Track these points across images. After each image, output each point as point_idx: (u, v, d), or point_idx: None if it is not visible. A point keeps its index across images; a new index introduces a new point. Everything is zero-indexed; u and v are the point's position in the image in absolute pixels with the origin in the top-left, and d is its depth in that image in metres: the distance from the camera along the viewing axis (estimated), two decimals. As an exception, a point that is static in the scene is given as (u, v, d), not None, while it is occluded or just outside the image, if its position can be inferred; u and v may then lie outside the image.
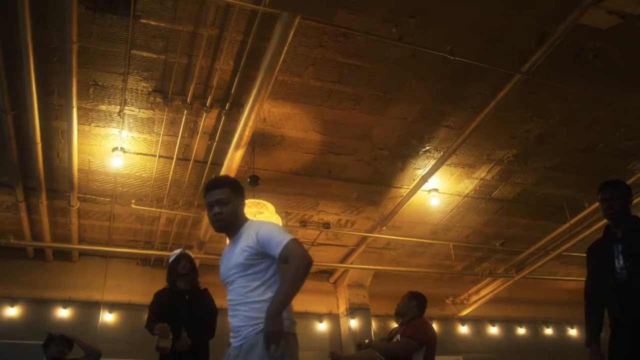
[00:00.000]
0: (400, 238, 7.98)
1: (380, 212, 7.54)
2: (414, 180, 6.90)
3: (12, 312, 7.23)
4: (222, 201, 2.80)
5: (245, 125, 5.38)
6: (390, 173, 6.83)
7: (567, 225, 7.46)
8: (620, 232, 3.59)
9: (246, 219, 2.93)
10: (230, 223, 2.83)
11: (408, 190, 7.01)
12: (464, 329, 9.28)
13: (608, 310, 3.57)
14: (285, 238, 2.67)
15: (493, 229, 8.14)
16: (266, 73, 4.82)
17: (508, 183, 7.19)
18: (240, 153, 5.75)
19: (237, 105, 5.57)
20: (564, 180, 7.20)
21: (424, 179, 6.71)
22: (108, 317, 7.53)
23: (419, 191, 6.97)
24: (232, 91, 5.40)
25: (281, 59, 4.70)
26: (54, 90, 5.32)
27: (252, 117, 5.26)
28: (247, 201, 5.76)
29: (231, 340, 2.70)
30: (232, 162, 5.86)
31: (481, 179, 7.05)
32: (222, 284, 2.85)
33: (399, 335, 4.60)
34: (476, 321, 9.25)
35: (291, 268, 2.59)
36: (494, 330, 9.35)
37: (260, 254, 2.71)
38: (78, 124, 5.61)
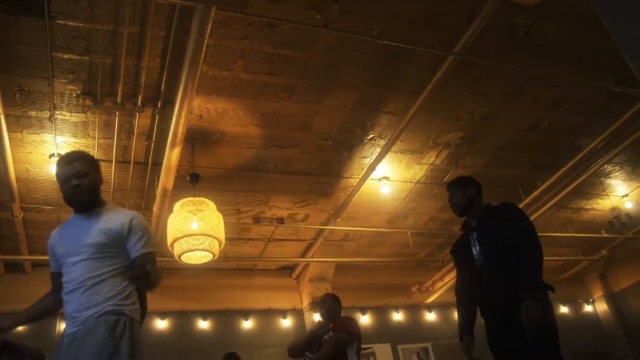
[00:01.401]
0: (357, 229, 7.94)
1: (333, 204, 7.48)
2: (362, 169, 6.84)
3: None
4: (81, 173, 2.73)
5: (177, 123, 5.28)
6: (337, 163, 6.76)
7: (522, 205, 7.44)
8: (474, 222, 3.73)
9: (105, 202, 2.85)
10: (89, 197, 2.75)
11: (358, 179, 6.95)
12: (430, 316, 9.28)
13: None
14: (151, 247, 2.72)
15: (450, 214, 7.88)
16: (190, 68, 4.73)
17: (459, 166, 7.15)
18: (177, 152, 5.65)
19: (169, 103, 5.46)
20: (515, 160, 7.19)
21: (372, 167, 6.65)
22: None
23: (369, 180, 6.92)
24: (162, 89, 5.30)
25: (203, 53, 4.61)
26: (-23, 98, 5.20)
27: (183, 114, 5.17)
28: (186, 199, 5.76)
29: (65, 329, 2.57)
30: (170, 161, 5.76)
31: (430, 164, 7.01)
32: (55, 258, 2.75)
33: (330, 333, 4.73)
34: (442, 307, 9.24)
35: (152, 278, 2.60)
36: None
37: (121, 241, 2.66)
38: (9, 131, 5.49)
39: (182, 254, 5.51)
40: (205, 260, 5.80)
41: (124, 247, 2.68)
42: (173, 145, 5.57)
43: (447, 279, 8.83)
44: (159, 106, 5.49)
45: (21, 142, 5.77)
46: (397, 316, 9.11)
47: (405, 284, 9.26)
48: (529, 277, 3.28)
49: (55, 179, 6.02)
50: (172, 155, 5.71)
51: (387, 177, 7.05)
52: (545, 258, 3.46)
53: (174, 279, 8.11)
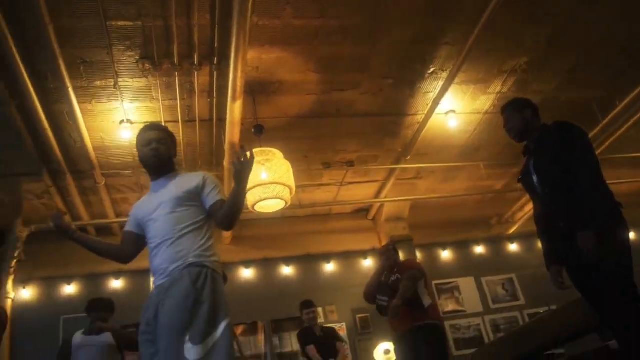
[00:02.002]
0: (429, 165, 7.80)
1: (401, 142, 7.36)
2: (426, 104, 6.66)
3: (70, 289, 7.70)
4: (162, 139, 2.99)
5: (235, 77, 5.32)
6: (401, 101, 6.61)
7: (600, 127, 7.02)
8: (532, 145, 3.51)
9: (177, 170, 3.07)
10: (166, 162, 2.98)
11: (423, 116, 6.79)
12: (513, 247, 9.07)
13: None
14: (221, 196, 2.88)
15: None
16: (239, 20, 4.70)
17: (527, 93, 6.76)
18: (238, 105, 5.71)
19: (225, 58, 5.48)
20: (589, 81, 6.73)
21: (436, 102, 6.45)
22: (158, 282, 7.87)
23: (435, 115, 6.72)
24: (215, 45, 5.33)
25: (250, 3, 4.56)
26: (46, 75, 5.42)
27: (240, 68, 5.19)
28: (253, 150, 5.83)
29: (154, 280, 2.74)
30: (233, 115, 5.83)
31: (497, 92, 6.71)
32: (136, 221, 2.94)
33: (397, 275, 4.97)
34: (525, 237, 8.97)
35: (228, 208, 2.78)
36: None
37: (199, 195, 2.85)
38: (79, 103, 5.78)
39: (255, 204, 5.65)
40: (278, 208, 5.93)
41: (200, 201, 2.84)
42: (234, 99, 5.64)
43: (527, 209, 8.54)
44: (215, 62, 5.54)
45: (92, 112, 6.02)
46: (479, 249, 8.99)
47: (484, 217, 9.06)
48: (583, 204, 3.04)
49: (128, 144, 6.36)
50: (235, 109, 5.78)
51: (453, 110, 6.82)
52: (624, 180, 3.23)
53: (254, 229, 8.39)
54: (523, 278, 8.71)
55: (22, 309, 7.31)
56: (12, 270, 7.23)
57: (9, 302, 7.16)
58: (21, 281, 7.50)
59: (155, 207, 2.82)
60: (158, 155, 2.93)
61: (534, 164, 3.37)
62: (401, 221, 8.54)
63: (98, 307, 4.98)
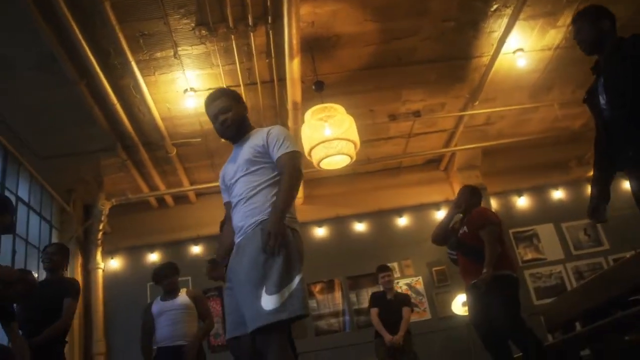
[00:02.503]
0: (499, 109, 7.48)
1: (468, 87, 7.09)
2: (492, 45, 6.35)
3: (154, 257, 8.03)
4: (225, 109, 2.96)
5: (290, 34, 5.27)
6: (464, 43, 6.33)
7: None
8: (603, 61, 3.04)
9: (253, 127, 3.10)
10: (238, 128, 2.98)
11: (489, 57, 6.49)
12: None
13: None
14: (290, 146, 2.83)
15: (603, 76, 7.28)
16: (288, -26, 4.66)
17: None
18: (296, 63, 5.67)
19: (278, 17, 5.42)
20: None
21: (502, 40, 6.14)
22: (235, 247, 8.09)
23: (502, 55, 6.41)
24: (268, 3, 5.29)
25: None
26: (109, 51, 5.59)
27: (294, 24, 5.14)
28: (315, 108, 5.81)
29: (235, 238, 2.83)
30: (292, 73, 5.81)
31: (568, 25, 6.26)
32: (226, 188, 2.98)
33: (465, 228, 4.68)
34: (607, 179, 8.48)
35: (285, 178, 2.76)
36: (628, 185, 8.47)
37: (267, 153, 2.83)
38: (143, 76, 5.93)
39: (320, 161, 5.63)
40: (343, 164, 5.90)
41: (270, 157, 2.84)
42: (291, 57, 5.59)
43: (609, 147, 8.06)
44: (269, 22, 5.51)
45: (156, 83, 6.15)
46: (557, 194, 8.56)
47: (561, 160, 8.60)
48: None
49: (194, 112, 6.48)
50: (293, 67, 5.75)
51: (521, 48, 6.46)
52: None
53: (325, 188, 8.40)
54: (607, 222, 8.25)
55: (111, 278, 7.73)
56: (99, 242, 7.65)
57: (99, 272, 7.62)
58: (109, 252, 7.92)
59: (234, 171, 2.89)
60: (227, 126, 2.96)
61: (603, 82, 2.95)
62: (474, 169, 8.29)
63: (166, 274, 5.09)
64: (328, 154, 5.53)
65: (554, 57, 6.82)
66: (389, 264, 7.84)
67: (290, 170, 2.76)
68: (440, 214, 8.30)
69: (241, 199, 2.80)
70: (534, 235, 8.25)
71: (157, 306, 4.92)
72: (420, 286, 7.86)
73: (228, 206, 3.00)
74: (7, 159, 6.54)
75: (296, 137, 6.43)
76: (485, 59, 6.59)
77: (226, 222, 3.07)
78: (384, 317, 6.04)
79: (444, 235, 4.85)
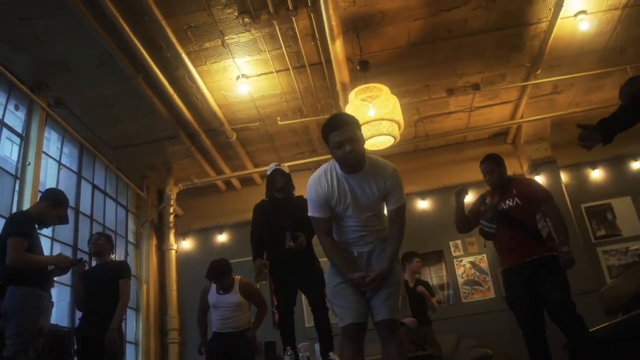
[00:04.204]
0: (565, 77, 7.03)
1: (528, 56, 6.72)
2: (549, 9, 5.96)
3: (222, 238, 8.41)
4: (353, 139, 2.95)
5: (328, 16, 5.28)
6: (519, 10, 5.99)
7: None
8: None
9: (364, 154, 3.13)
10: (362, 159, 3.03)
11: (548, 22, 6.10)
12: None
13: None
14: (404, 199, 3.12)
15: (684, 30, 6.63)
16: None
17: (676, -29, 5.78)
18: (339, 43, 5.67)
19: (317, -1, 5.43)
20: None
21: (560, 4, 5.75)
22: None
23: (562, 20, 6.01)
24: (304, -15, 5.31)
25: None
26: (161, 46, 5.85)
27: (330, 5, 5.15)
28: (359, 88, 5.80)
29: (353, 249, 3.18)
30: (337, 54, 5.82)
31: (637, -20, 5.80)
32: (327, 204, 3.11)
33: (517, 200, 4.30)
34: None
35: (399, 232, 3.09)
36: None
37: (385, 195, 3.09)
38: (195, 66, 6.17)
39: (364, 142, 5.60)
40: (387, 145, 5.84)
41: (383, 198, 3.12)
42: (333, 39, 5.60)
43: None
44: (309, 4, 5.51)
45: (208, 72, 6.37)
46: (636, 165, 7.94)
47: (641, 127, 8.00)
48: None
49: (249, 97, 6.67)
50: (336, 49, 5.75)
51: (583, 10, 6.01)
52: None
53: (387, 166, 8.31)
54: (697, 192, 7.59)
55: (184, 258, 8.18)
56: (171, 224, 8.09)
57: (172, 253, 8.08)
58: (181, 234, 8.38)
59: (367, 207, 3.07)
60: (354, 157, 2.96)
61: None
62: (543, 141, 7.90)
63: (221, 274, 5.20)
64: (373, 134, 5.49)
65: (623, 17, 6.30)
66: (453, 241, 7.74)
67: (402, 226, 3.10)
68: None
69: (370, 233, 3.12)
70: (608, 210, 7.75)
71: (213, 297, 5.20)
72: (484, 264, 7.66)
73: (326, 222, 3.14)
74: (83, 151, 7.07)
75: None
76: (544, 25, 6.21)
77: (323, 235, 3.17)
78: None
79: (466, 222, 4.67)
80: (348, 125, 2.96)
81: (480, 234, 4.65)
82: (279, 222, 4.60)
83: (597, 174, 8.05)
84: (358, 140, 2.96)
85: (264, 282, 4.96)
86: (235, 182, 8.61)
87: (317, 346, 4.76)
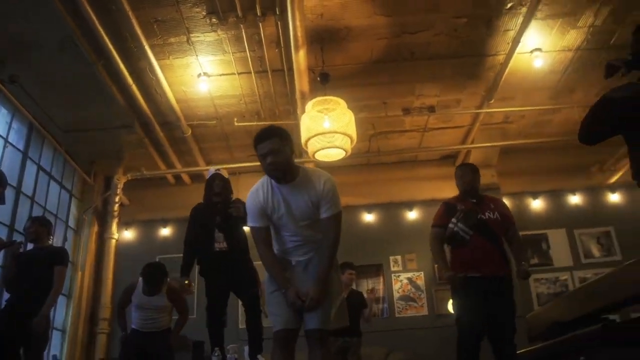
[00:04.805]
0: (517, 109, 7.34)
1: (484, 85, 6.98)
2: (507, 43, 6.22)
3: (166, 231, 8.35)
4: (275, 151, 3.03)
5: (294, 25, 5.35)
6: (478, 41, 6.23)
7: None
8: None
9: (299, 166, 3.22)
10: (285, 173, 3.08)
11: (505, 55, 6.36)
12: (614, 197, 8.26)
13: None
14: (338, 208, 3.11)
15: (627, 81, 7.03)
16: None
17: (626, 24, 6.05)
18: (302, 54, 5.74)
19: (285, 8, 5.48)
20: None
21: (517, 40, 6.00)
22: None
23: (518, 54, 6.27)
24: (275, -6, 5.37)
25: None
26: (126, 36, 5.79)
27: (297, 15, 5.22)
28: (317, 99, 5.89)
29: (291, 258, 3.22)
30: (299, 64, 5.88)
31: (589, 26, 6.07)
32: (264, 214, 3.17)
33: (496, 214, 4.39)
34: (628, 187, 8.16)
35: (330, 242, 3.08)
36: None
37: (318, 205, 3.09)
38: (158, 60, 6.14)
39: (315, 152, 5.71)
40: (338, 158, 5.94)
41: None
42: (297, 48, 5.66)
43: (634, 154, 7.77)
44: (277, 12, 5.58)
45: (170, 67, 6.35)
46: (574, 199, 8.34)
47: (582, 164, 8.34)
48: None
49: (209, 95, 6.67)
50: (299, 58, 5.82)
51: (539, 48, 6.30)
52: None
53: (337, 177, 8.19)
54: (622, 232, 7.95)
55: (124, 248, 8.10)
56: (115, 213, 7.98)
57: (113, 242, 7.97)
58: (125, 223, 8.28)
59: (300, 217, 3.10)
60: (275, 169, 3.05)
61: None
62: (490, 168, 8.16)
63: (156, 277, 5.13)
64: (324, 146, 5.59)
65: (576, 59, 6.63)
66: (393, 256, 7.89)
67: (334, 238, 3.09)
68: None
69: (306, 242, 3.15)
70: (543, 240, 8.10)
71: (139, 297, 5.14)
72: (421, 281, 7.86)
73: (263, 231, 3.18)
74: (32, 131, 6.90)
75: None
76: (501, 58, 6.47)
77: (264, 245, 3.20)
78: None
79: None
80: (270, 138, 3.05)
81: (449, 238, 4.48)
82: (211, 224, 4.74)
83: (537, 204, 8.39)
84: (280, 152, 3.02)
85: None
86: (186, 178, 8.58)
87: (246, 348, 4.85)
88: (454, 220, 4.42)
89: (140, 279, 5.16)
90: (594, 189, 8.36)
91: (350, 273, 6.18)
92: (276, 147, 3.02)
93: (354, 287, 6.39)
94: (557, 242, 8.06)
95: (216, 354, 4.53)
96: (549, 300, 7.45)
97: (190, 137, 7.50)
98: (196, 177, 8.57)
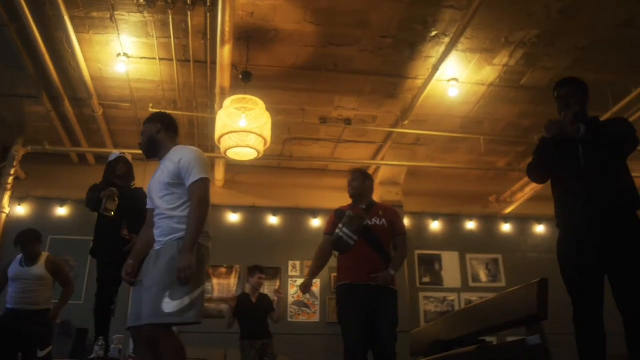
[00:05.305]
0: (428, 133, 7.65)
1: (400, 106, 7.24)
2: (427, 69, 6.49)
3: (62, 211, 8.00)
4: (144, 132, 3.38)
5: (223, 20, 5.28)
6: (400, 63, 6.45)
7: (609, 113, 6.71)
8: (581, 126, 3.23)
9: (174, 145, 3.36)
10: (148, 149, 3.33)
11: (423, 80, 6.62)
12: (506, 228, 8.87)
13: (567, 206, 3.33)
14: (199, 175, 3.09)
15: (530, 121, 7.54)
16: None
17: (537, 68, 6.54)
18: (227, 49, 5.69)
19: (216, 1, 5.44)
20: (603, 63, 6.40)
21: (437, 67, 6.27)
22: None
23: (437, 82, 6.56)
24: (207, -15, 5.31)
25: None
26: (45, 2, 5.50)
27: (227, 11, 5.16)
28: (237, 97, 5.85)
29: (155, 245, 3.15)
30: (223, 59, 5.82)
31: (504, 65, 6.47)
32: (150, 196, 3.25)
33: (383, 220, 4.34)
34: (520, 220, 8.79)
35: (192, 208, 3.04)
36: (540, 229, 8.83)
37: (180, 177, 3.12)
38: (77, 32, 5.88)
39: (228, 150, 5.68)
40: (250, 158, 5.94)
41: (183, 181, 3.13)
42: (223, 43, 5.61)
43: (527, 190, 8.34)
44: (208, 4, 5.51)
45: (89, 42, 6.10)
46: (470, 225, 8.84)
47: (482, 193, 8.87)
48: None
49: (126, 77, 6.46)
50: (224, 53, 5.76)
51: (455, 78, 6.63)
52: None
53: (248, 176, 8.48)
54: (509, 261, 8.56)
55: (14, 224, 7.59)
56: (9, 186, 7.53)
57: (3, 217, 7.51)
58: (18, 198, 7.83)
59: (155, 188, 3.18)
60: (141, 147, 3.35)
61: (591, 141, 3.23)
62: (395, 186, 8.46)
63: (27, 241, 5.04)
64: (238, 144, 5.58)
65: (487, 93, 7.03)
66: (292, 261, 7.98)
67: (196, 203, 3.03)
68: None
69: (163, 217, 3.09)
70: (437, 260, 8.50)
71: (15, 269, 4.96)
72: (316, 288, 7.99)
73: (151, 212, 3.24)
74: None
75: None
76: (420, 82, 6.73)
77: (147, 226, 3.27)
78: (249, 319, 6.01)
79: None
80: (144, 125, 3.40)
81: (334, 243, 4.39)
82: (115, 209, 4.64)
83: (435, 225, 8.78)
84: (144, 132, 3.36)
85: (112, 213, 4.69)
86: (90, 158, 8.25)
87: (131, 340, 4.72)
88: (340, 225, 4.35)
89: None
90: (488, 218, 8.87)
91: (260, 277, 6.22)
92: (144, 129, 3.37)
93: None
94: (449, 264, 8.48)
95: (100, 344, 4.39)
96: (436, 319, 7.79)
97: (101, 116, 7.23)
98: (101, 158, 8.23)
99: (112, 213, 4.64)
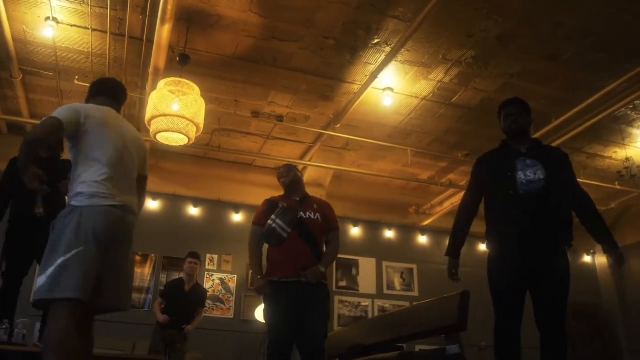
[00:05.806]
0: (358, 138, 7.72)
1: (334, 108, 7.27)
2: (365, 75, 6.55)
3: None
4: None
5: (166, -2, 5.10)
6: (339, 66, 6.48)
7: (532, 140, 7.05)
8: (523, 148, 3.59)
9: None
10: None
11: (360, 86, 6.68)
12: (422, 239, 9.16)
13: (500, 223, 3.49)
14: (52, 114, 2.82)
15: (456, 138, 7.80)
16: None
17: (469, 88, 6.77)
18: (167, 29, 5.48)
19: (161, -24, 5.24)
20: (530, 91, 6.67)
21: (375, 74, 6.35)
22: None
23: (372, 89, 6.64)
24: (152, -42, 5.10)
25: None
26: (-31, -52, 5.11)
27: (172, -11, 4.99)
28: (171, 79, 5.64)
29: None
30: (161, 38, 5.60)
31: (439, 81, 6.65)
32: None
33: (318, 215, 4.15)
34: (437, 232, 9.08)
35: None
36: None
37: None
38: (2, -15, 5.48)
39: (157, 133, 5.46)
40: (180, 144, 5.75)
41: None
42: (163, 22, 5.40)
43: (446, 204, 8.63)
44: (151, -22, 5.31)
45: (16, 1, 5.68)
46: (389, 234, 9.04)
47: (403, 204, 9.10)
48: None
49: (52, 43, 6.06)
50: (163, 33, 5.55)
51: (391, 88, 6.73)
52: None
53: (172, 163, 8.22)
54: (423, 271, 8.83)
55: None
56: None
57: None
58: None
59: None
60: None
61: (534, 164, 3.51)
62: (320, 188, 8.47)
63: None
64: (169, 128, 5.37)
65: (420, 106, 7.19)
66: (210, 255, 7.81)
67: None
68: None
69: None
70: (354, 265, 8.61)
71: None
72: (232, 284, 7.89)
73: None
74: None
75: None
76: (356, 87, 6.78)
77: None
78: (176, 308, 5.87)
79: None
80: None
81: (266, 235, 4.12)
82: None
83: (355, 231, 8.89)
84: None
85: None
86: (3, 126, 7.70)
87: (38, 325, 4.45)
88: (272, 216, 4.09)
89: None
90: (407, 228, 9.08)
91: (190, 261, 6.04)
92: None
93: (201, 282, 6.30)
94: (366, 270, 8.61)
95: (4, 327, 4.08)
96: (348, 323, 7.88)
97: (20, 83, 6.76)
98: (15, 128, 7.75)
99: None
